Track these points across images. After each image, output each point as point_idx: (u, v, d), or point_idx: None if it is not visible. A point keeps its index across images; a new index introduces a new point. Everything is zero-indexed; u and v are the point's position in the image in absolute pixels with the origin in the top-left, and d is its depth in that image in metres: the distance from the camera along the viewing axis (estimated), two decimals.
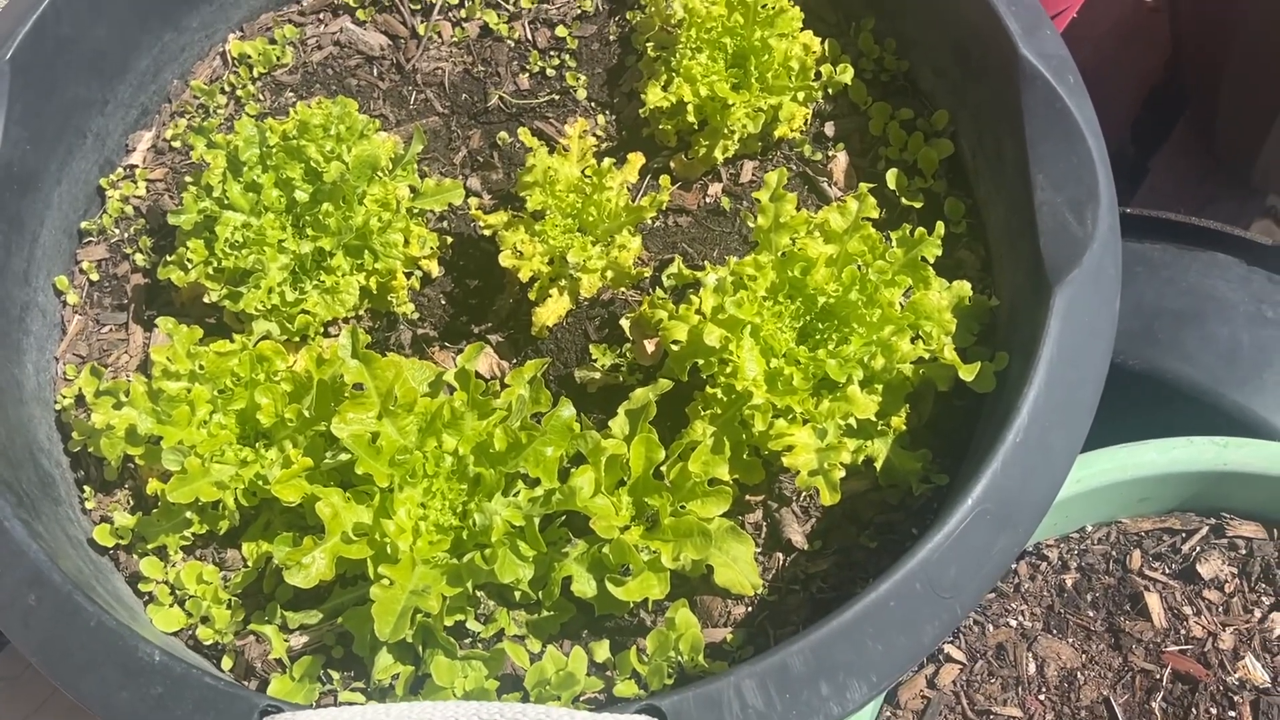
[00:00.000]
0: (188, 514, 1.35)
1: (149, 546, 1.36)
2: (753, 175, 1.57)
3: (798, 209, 1.37)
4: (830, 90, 1.57)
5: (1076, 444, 1.20)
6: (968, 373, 1.27)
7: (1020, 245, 1.34)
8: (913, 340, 1.31)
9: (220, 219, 1.40)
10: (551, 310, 1.47)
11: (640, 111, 1.54)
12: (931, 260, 1.33)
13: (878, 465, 1.34)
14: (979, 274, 1.46)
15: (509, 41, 1.70)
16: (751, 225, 1.47)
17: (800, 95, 1.52)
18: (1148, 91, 2.65)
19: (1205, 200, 2.47)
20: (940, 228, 1.32)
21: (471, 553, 1.25)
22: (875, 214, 1.35)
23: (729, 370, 1.32)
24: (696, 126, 1.54)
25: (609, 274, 1.46)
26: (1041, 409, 1.18)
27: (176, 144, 1.64)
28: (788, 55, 1.50)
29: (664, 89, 1.53)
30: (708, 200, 1.57)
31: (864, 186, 1.36)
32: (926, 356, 1.30)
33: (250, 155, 1.42)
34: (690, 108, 1.51)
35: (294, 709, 1.06)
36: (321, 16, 1.74)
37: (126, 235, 1.58)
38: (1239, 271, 1.50)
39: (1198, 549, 1.42)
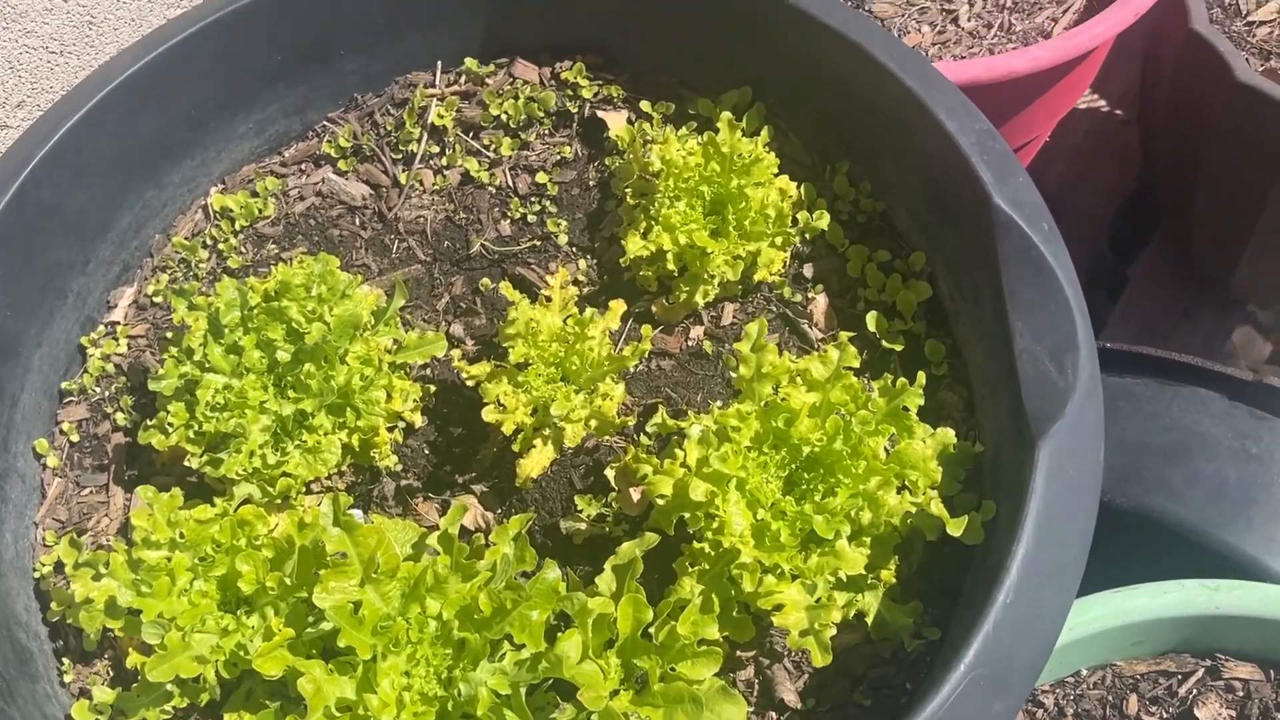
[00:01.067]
0: (168, 687, 1.32)
1: None
2: (734, 318, 1.58)
3: (780, 352, 1.37)
4: (808, 234, 1.58)
5: (1068, 601, 1.19)
6: (955, 527, 1.26)
7: (1002, 391, 1.34)
8: (899, 491, 1.31)
9: (201, 382, 1.40)
10: (536, 461, 1.46)
11: (621, 260, 1.55)
12: (914, 410, 1.33)
13: (869, 619, 1.32)
14: (962, 415, 1.46)
15: (490, 188, 1.72)
16: (734, 369, 1.48)
17: (778, 240, 1.54)
18: (1123, 201, 2.69)
19: (1186, 309, 2.49)
20: (921, 378, 1.32)
21: None
22: (856, 362, 1.35)
23: (715, 525, 1.30)
24: (676, 273, 1.55)
25: (593, 423, 1.46)
26: (1030, 567, 1.17)
27: (159, 299, 1.65)
28: (764, 202, 1.51)
29: (644, 237, 1.54)
30: (690, 344, 1.57)
31: (844, 335, 1.36)
32: (913, 510, 1.29)
33: (231, 318, 1.42)
34: (670, 256, 1.52)
35: None
36: (303, 167, 1.75)
37: (108, 394, 1.58)
38: (1221, 407, 1.51)
39: (1194, 692, 1.40)
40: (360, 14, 1.69)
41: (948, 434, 1.38)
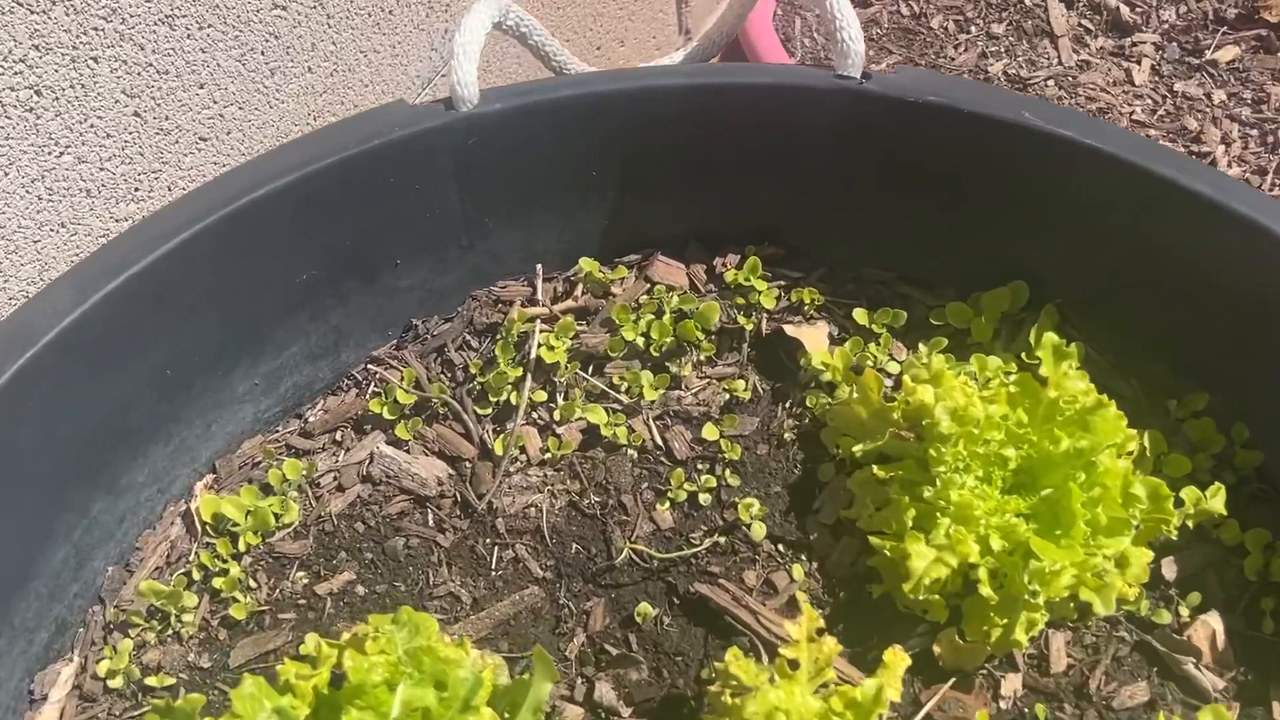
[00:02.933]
0: None
1: None
2: (1069, 657, 0.98)
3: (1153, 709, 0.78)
4: (1189, 523, 1.00)
5: None
6: None
7: None
8: None
9: None
10: None
11: (906, 588, 0.94)
12: None
13: None
14: None
15: (630, 451, 1.12)
16: None
17: (1142, 530, 0.95)
18: None
19: None
20: None
21: None
22: None
23: None
24: (991, 599, 0.95)
25: None
26: None
27: (116, 682, 0.99)
28: (1126, 477, 0.93)
29: (930, 543, 0.94)
30: (1003, 705, 0.97)
31: None
32: None
33: None
34: (982, 572, 0.93)
35: None
36: (339, 437, 1.14)
37: None
38: None
39: None
40: (426, 200, 1.10)
41: None
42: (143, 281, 0.96)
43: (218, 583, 1.03)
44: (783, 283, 1.19)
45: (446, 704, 0.82)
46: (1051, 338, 1.01)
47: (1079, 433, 0.96)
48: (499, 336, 1.16)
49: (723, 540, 1.07)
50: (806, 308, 1.18)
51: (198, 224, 0.97)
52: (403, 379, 1.15)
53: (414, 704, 0.82)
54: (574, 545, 1.08)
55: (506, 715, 0.90)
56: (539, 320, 1.16)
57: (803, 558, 1.06)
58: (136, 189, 1.16)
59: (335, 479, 1.11)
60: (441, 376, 1.16)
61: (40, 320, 0.92)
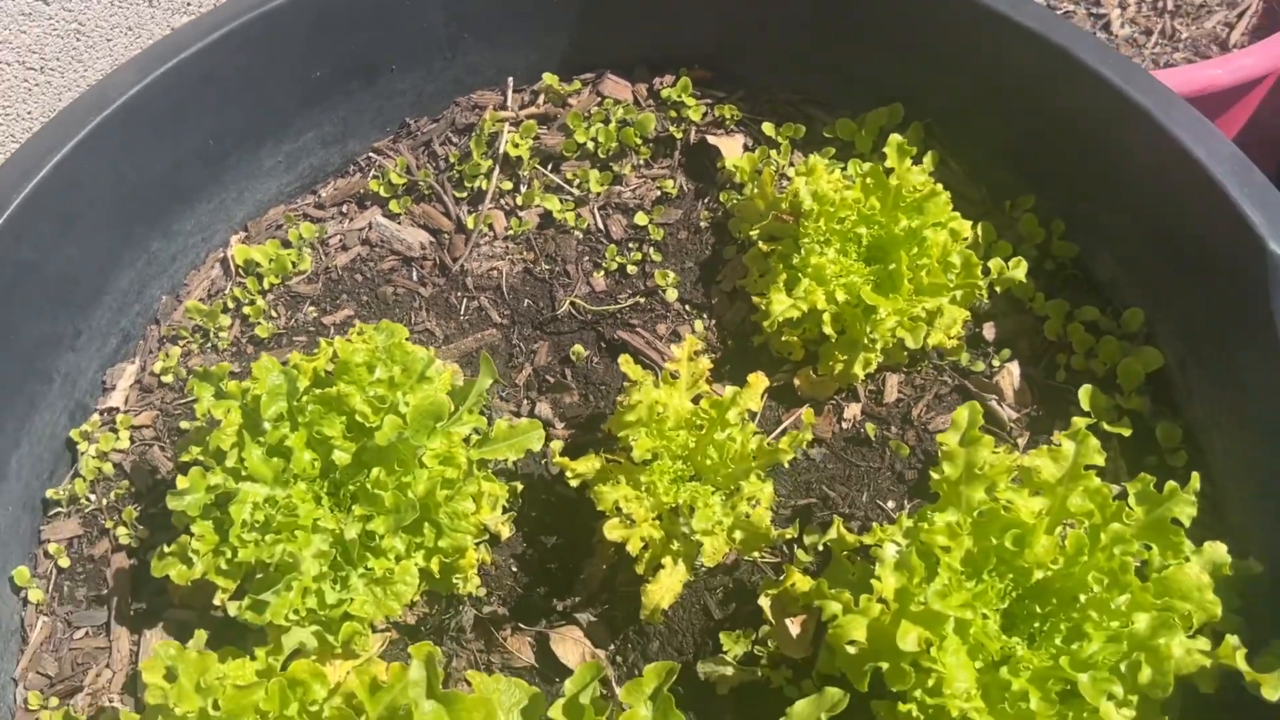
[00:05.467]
0: None
1: None
2: (899, 392, 1.26)
3: None
4: (997, 288, 1.27)
5: None
6: (1272, 688, 0.94)
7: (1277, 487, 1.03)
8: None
9: (236, 495, 1.06)
10: (666, 587, 1.13)
11: (761, 321, 1.22)
12: (1186, 523, 1.01)
13: None
14: (1209, 522, 1.14)
15: (576, 232, 1.39)
16: (906, 457, 1.17)
17: (959, 295, 1.22)
18: None
19: None
20: (1195, 480, 1.00)
21: None
22: (1100, 460, 1.03)
23: (931, 683, 0.98)
24: (832, 337, 1.23)
25: (738, 535, 1.13)
26: None
27: (168, 378, 1.31)
28: (946, 248, 1.20)
29: (789, 293, 1.22)
30: (845, 425, 1.25)
31: (1080, 422, 1.04)
32: (1207, 665, 0.97)
33: (275, 410, 1.08)
34: (826, 317, 1.20)
35: None
36: (345, 209, 1.42)
37: (105, 503, 1.23)
38: None
39: None
40: (416, 19, 1.36)
41: (1218, 550, 1.05)
42: (191, 65, 1.24)
43: (247, 310, 1.33)
44: (710, 100, 1.45)
45: (407, 375, 1.12)
46: (897, 138, 1.26)
47: (915, 215, 1.22)
48: (475, 135, 1.43)
49: (643, 300, 1.35)
50: (727, 122, 1.44)
51: (233, 23, 1.25)
52: (397, 166, 1.43)
53: (384, 376, 1.12)
54: (526, 300, 1.36)
55: (458, 403, 1.19)
56: (507, 123, 1.43)
57: (704, 316, 1.34)
58: (189, 4, 1.43)
59: (340, 240, 1.40)
60: (428, 165, 1.44)
61: (112, 91, 1.21)
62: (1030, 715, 0.95)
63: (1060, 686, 0.97)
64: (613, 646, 1.17)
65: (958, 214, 1.26)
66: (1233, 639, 0.97)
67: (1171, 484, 1.01)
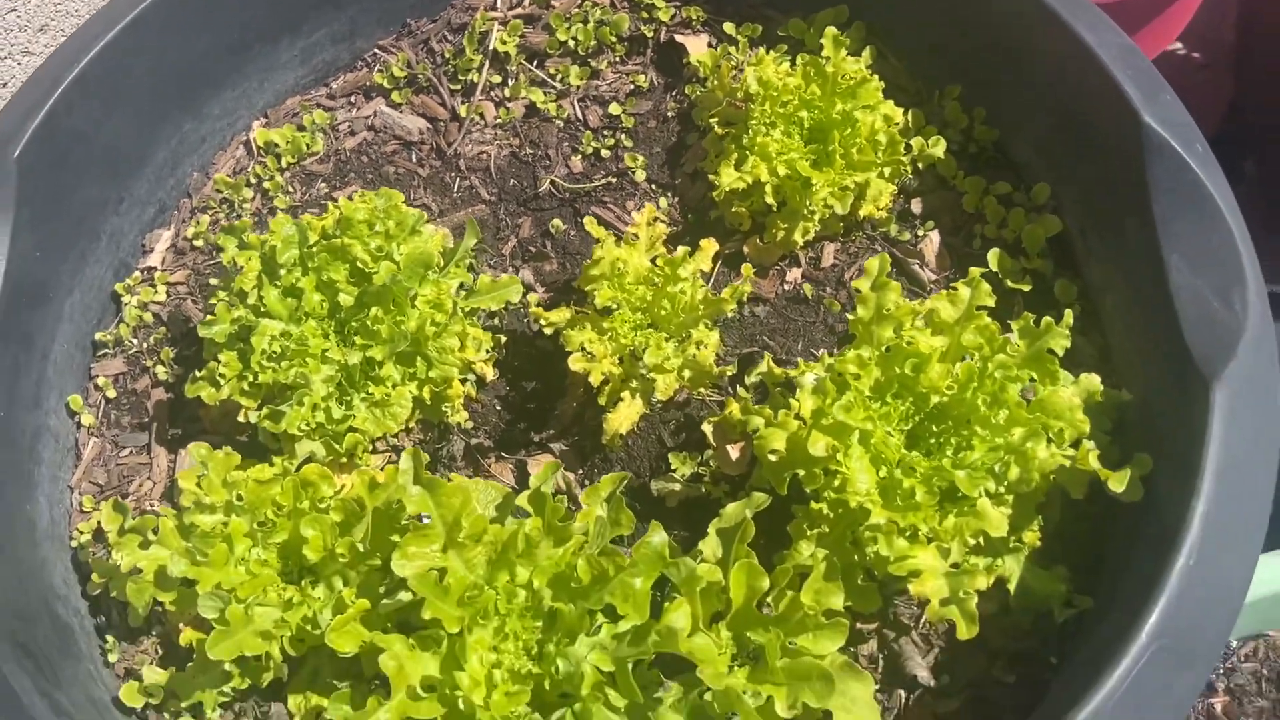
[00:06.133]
0: (227, 667, 1.18)
1: (183, 704, 1.19)
2: (835, 259, 1.44)
3: None
4: (920, 164, 1.44)
5: (1252, 564, 1.05)
6: (1117, 482, 1.12)
7: (1153, 334, 1.20)
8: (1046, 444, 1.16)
9: (256, 328, 1.25)
10: (624, 416, 1.32)
11: (714, 195, 1.40)
12: (1060, 353, 1.19)
13: (1011, 586, 1.19)
14: (1097, 364, 1.32)
15: (558, 121, 1.57)
16: (839, 312, 1.34)
17: (888, 171, 1.39)
18: None
19: (1276, 249, 2.35)
20: (1069, 316, 1.18)
21: (560, 710, 1.08)
22: (990, 301, 1.20)
23: (837, 484, 1.16)
24: (774, 208, 1.41)
25: (687, 373, 1.31)
26: (1213, 526, 1.03)
27: (199, 243, 1.50)
28: (873, 128, 1.37)
29: (737, 168, 1.39)
30: (787, 287, 1.43)
31: (975, 271, 1.22)
32: (1066, 464, 1.15)
33: (289, 257, 1.27)
34: (768, 188, 1.38)
35: None
36: (353, 99, 1.60)
37: (146, 345, 1.43)
38: None
39: None
40: None
41: (1092, 381, 1.23)
42: None
43: (267, 185, 1.52)
44: (678, 3, 1.61)
45: (401, 229, 1.30)
46: (833, 31, 1.42)
47: (849, 100, 1.39)
48: (467, 33, 1.60)
49: (614, 181, 1.53)
50: (694, 22, 1.60)
51: None
52: (399, 61, 1.61)
53: (381, 230, 1.30)
54: (512, 180, 1.54)
55: (448, 260, 1.38)
56: (497, 23, 1.60)
57: (668, 194, 1.52)
58: None
59: (349, 126, 1.58)
60: (426, 61, 1.62)
61: None
62: (915, 506, 1.14)
63: (944, 483, 1.16)
64: (581, 470, 1.36)
65: (890, 101, 1.42)
66: (1089, 443, 1.15)
67: (1047, 319, 1.18)
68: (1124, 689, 0.97)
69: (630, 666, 1.12)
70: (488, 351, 1.37)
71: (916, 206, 1.45)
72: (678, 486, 1.32)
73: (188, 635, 1.19)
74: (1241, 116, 2.33)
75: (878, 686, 1.20)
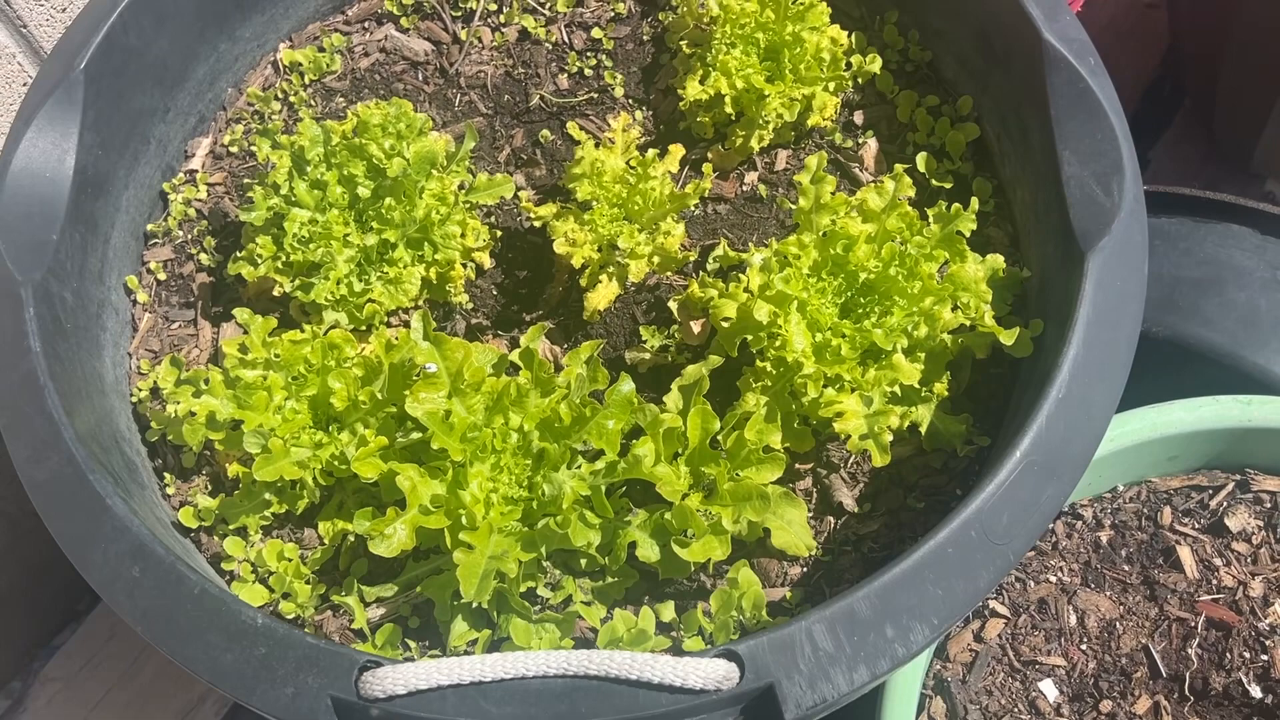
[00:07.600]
0: (267, 495, 1.41)
1: (230, 527, 1.43)
2: (787, 163, 1.65)
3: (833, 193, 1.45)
4: (859, 80, 1.65)
5: (1114, 400, 1.28)
6: (1008, 338, 1.35)
7: (1049, 219, 1.42)
8: (952, 310, 1.39)
9: (288, 215, 1.47)
10: (602, 295, 1.54)
11: (680, 106, 1.62)
12: (967, 234, 1.41)
13: (922, 430, 1.42)
14: (1008, 250, 1.54)
15: (547, 44, 1.78)
16: (789, 209, 1.56)
17: (831, 85, 1.60)
18: (1145, 86, 2.74)
19: (1206, 186, 2.55)
20: (974, 203, 1.40)
21: (544, 519, 1.31)
22: (911, 192, 1.42)
23: (778, 344, 1.39)
24: (733, 118, 1.62)
25: (656, 259, 1.54)
26: (1081, 367, 1.25)
27: (234, 149, 1.72)
28: (819, 47, 1.58)
29: (701, 83, 1.61)
30: (745, 189, 1.65)
31: (899, 168, 1.44)
32: (967, 324, 1.38)
33: (315, 154, 1.49)
34: (728, 99, 1.59)
35: (392, 663, 1.13)
36: (366, 25, 1.81)
37: (190, 236, 1.65)
38: (1254, 241, 1.58)
39: (1225, 504, 1.50)
40: None
41: (997, 259, 1.45)
42: None
43: (292, 99, 1.74)
44: None
45: (410, 130, 1.52)
46: None
47: (799, 22, 1.60)
48: None
49: (596, 96, 1.74)
50: None
51: None
52: None
53: (393, 131, 1.52)
54: (506, 96, 1.76)
55: (450, 161, 1.60)
56: None
57: (643, 108, 1.73)
58: None
59: (363, 48, 1.79)
60: None
61: None
62: (841, 360, 1.37)
63: (867, 343, 1.38)
64: (566, 345, 1.58)
65: (836, 25, 1.64)
66: (985, 306, 1.37)
67: (957, 205, 1.40)
68: (999, 494, 1.20)
69: (604, 490, 1.35)
70: (485, 241, 1.59)
71: (859, 118, 1.67)
72: (648, 355, 1.54)
73: (234, 469, 1.42)
74: (1179, 50, 2.53)
75: (811, 513, 1.43)
